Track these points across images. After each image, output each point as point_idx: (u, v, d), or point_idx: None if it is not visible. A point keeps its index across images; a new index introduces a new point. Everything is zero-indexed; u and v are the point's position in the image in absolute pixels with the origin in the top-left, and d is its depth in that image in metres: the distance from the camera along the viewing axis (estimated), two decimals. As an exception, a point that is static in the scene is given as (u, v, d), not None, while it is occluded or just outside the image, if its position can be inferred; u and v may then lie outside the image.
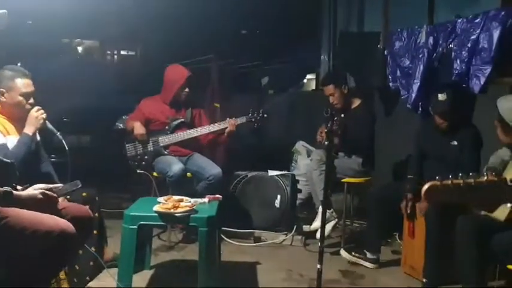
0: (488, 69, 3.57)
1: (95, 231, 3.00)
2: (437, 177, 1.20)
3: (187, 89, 4.09)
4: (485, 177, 1.18)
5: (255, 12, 6.59)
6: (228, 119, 4.05)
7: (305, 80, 7.64)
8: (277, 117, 6.13)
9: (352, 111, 4.04)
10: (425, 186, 1.19)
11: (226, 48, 6.23)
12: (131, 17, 6.32)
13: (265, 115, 4.04)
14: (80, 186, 2.44)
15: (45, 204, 2.28)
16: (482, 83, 3.59)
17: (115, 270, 2.91)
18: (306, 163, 4.45)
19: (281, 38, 6.72)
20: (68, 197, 2.68)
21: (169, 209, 2.83)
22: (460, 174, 1.20)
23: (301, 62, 6.63)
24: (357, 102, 4.10)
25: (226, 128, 4.01)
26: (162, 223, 2.99)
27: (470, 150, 3.26)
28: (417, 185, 3.36)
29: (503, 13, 3.51)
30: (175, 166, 3.82)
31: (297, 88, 7.36)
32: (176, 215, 2.81)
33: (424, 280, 3.15)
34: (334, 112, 3.14)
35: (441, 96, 3.29)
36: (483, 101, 3.62)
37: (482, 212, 2.70)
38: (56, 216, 2.25)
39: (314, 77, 7.01)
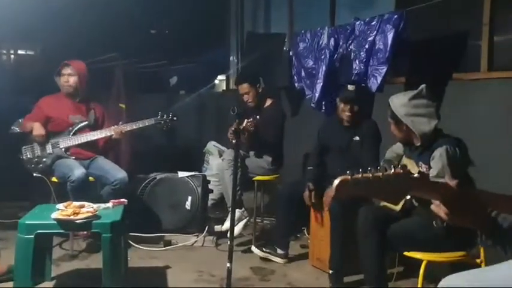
0: (384, 69, 3.79)
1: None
2: (348, 172, 1.21)
3: (66, 78, 3.88)
4: (393, 171, 1.22)
5: (165, 13, 6.48)
6: (114, 126, 3.87)
7: (216, 81, 7.65)
8: (188, 117, 6.08)
9: (265, 110, 4.10)
10: (336, 181, 1.20)
11: (134, 47, 6.06)
12: (30, 15, 5.92)
13: (174, 117, 3.93)
14: None
15: None
16: (379, 82, 3.80)
17: (11, 284, 2.71)
18: (218, 163, 4.44)
19: (191, 38, 6.67)
20: None
21: (69, 215, 2.69)
22: (369, 168, 1.22)
23: (211, 63, 6.62)
24: (269, 102, 4.17)
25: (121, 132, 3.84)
26: (62, 231, 2.84)
27: (370, 144, 3.45)
28: (317, 176, 3.49)
29: (396, 16, 3.74)
30: (77, 170, 3.62)
31: (208, 89, 7.35)
32: (77, 221, 2.68)
33: (330, 271, 3.26)
34: (242, 111, 3.17)
35: (350, 87, 3.47)
36: (381, 100, 3.82)
37: (381, 203, 2.86)
38: None
39: (224, 78, 7.04)
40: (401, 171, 1.22)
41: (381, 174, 1.20)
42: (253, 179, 4.08)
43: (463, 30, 3.73)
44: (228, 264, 2.83)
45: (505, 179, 3.02)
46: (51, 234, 3.22)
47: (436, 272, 2.59)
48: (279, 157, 4.17)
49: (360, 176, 1.20)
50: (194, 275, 3.43)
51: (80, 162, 3.81)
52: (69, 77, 3.91)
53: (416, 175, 1.25)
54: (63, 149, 3.82)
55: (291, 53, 4.80)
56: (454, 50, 3.75)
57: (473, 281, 1.58)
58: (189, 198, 4.18)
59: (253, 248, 3.76)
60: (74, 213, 2.70)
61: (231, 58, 6.31)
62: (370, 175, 1.20)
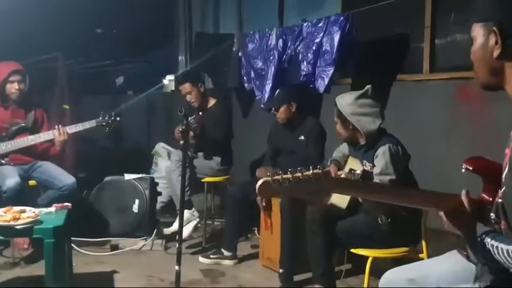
0: (331, 71, 3.86)
1: None
2: (268, 174, 1.24)
3: (16, 85, 3.67)
4: (311, 171, 1.24)
5: (111, 11, 6.32)
6: (57, 126, 3.66)
7: (166, 82, 7.54)
8: (137, 118, 5.96)
9: (209, 110, 4.07)
10: (259, 183, 1.23)
11: (79, 46, 5.87)
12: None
13: (117, 118, 3.79)
14: None
15: None
16: (326, 83, 3.87)
17: None
18: (167, 165, 4.37)
19: (138, 38, 6.54)
20: None
21: (9, 221, 2.56)
22: (290, 169, 1.25)
23: (159, 63, 6.52)
24: (212, 102, 4.14)
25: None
26: (1, 237, 2.71)
27: (313, 143, 3.53)
28: None
29: (342, 18, 3.82)
30: (9, 180, 3.38)
31: (157, 89, 7.24)
32: (17, 227, 2.55)
33: (281, 270, 3.28)
34: (188, 111, 3.13)
35: (276, 93, 3.70)
36: (328, 101, 3.89)
37: (329, 202, 2.90)
38: None
39: (173, 78, 6.95)
40: (320, 171, 1.24)
41: (300, 174, 1.23)
42: (203, 180, 4.04)
43: (407, 33, 3.86)
44: (177, 267, 2.79)
45: (445, 175, 3.14)
46: (-10, 242, 3.07)
47: (384, 268, 2.67)
48: (228, 157, 4.15)
49: (280, 177, 1.23)
50: (143, 279, 3.36)
51: (19, 168, 3.62)
52: (19, 84, 3.69)
53: (334, 176, 1.28)
54: None
55: (240, 54, 4.80)
56: (398, 52, 3.87)
57: (412, 274, 1.64)
58: (137, 201, 4.08)
59: (200, 258, 3.73)
60: (14, 219, 2.57)
61: (180, 58, 6.24)
62: (291, 176, 1.23)
